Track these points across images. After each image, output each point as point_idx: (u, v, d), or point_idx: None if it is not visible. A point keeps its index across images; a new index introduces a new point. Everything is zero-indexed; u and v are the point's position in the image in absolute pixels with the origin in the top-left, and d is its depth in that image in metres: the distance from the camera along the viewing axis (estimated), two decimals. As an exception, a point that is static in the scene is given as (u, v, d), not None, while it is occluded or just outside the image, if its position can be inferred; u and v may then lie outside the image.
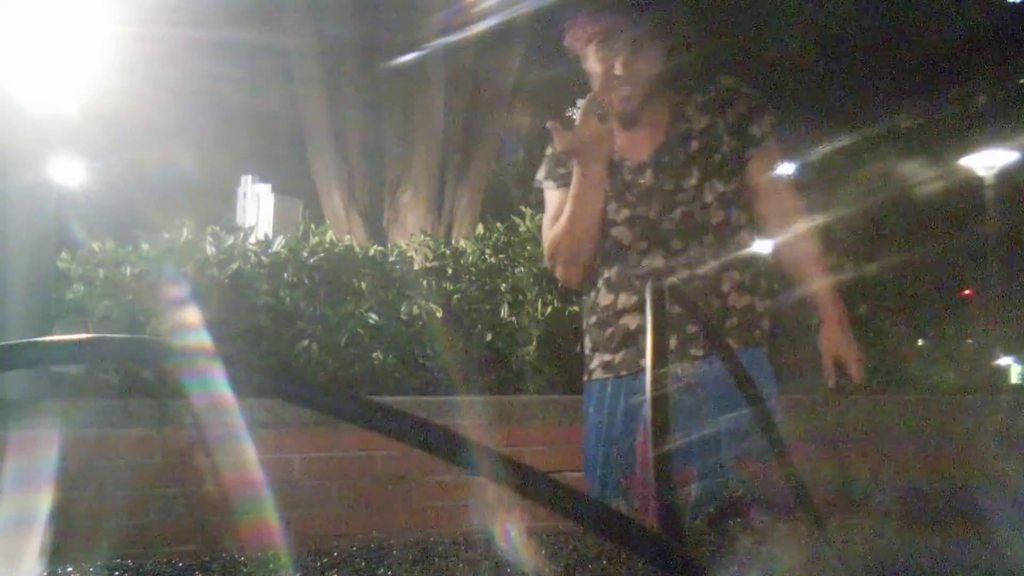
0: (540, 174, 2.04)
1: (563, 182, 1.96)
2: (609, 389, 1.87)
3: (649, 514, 1.65)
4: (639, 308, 1.82)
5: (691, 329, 1.78)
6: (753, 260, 1.87)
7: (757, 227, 1.89)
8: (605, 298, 1.89)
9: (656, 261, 1.83)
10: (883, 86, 9.34)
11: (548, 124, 1.80)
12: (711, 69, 1.94)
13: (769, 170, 1.86)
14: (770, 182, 1.86)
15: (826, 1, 7.95)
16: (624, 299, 1.86)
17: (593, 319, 1.93)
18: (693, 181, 1.82)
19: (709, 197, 1.82)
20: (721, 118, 1.84)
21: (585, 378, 1.95)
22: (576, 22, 1.85)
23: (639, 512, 1.71)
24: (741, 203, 1.85)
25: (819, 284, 1.83)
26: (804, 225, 1.86)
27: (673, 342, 1.78)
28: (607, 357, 1.88)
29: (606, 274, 1.90)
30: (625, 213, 1.86)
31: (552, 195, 2.00)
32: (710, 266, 1.79)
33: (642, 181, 1.86)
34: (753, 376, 1.68)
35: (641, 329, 1.80)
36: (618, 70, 1.79)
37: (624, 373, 1.85)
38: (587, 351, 1.95)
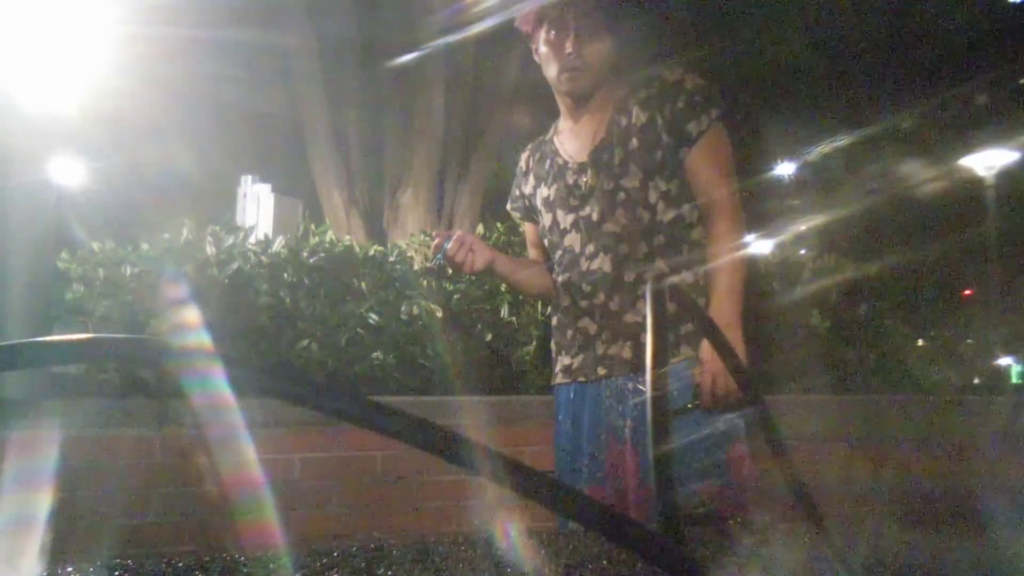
0: (508, 203, 2.09)
1: (526, 216, 2.04)
2: (572, 395, 1.84)
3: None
4: (592, 312, 1.79)
5: (643, 338, 1.71)
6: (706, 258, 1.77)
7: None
8: (564, 300, 1.87)
9: (605, 265, 1.77)
10: (883, 86, 9.34)
11: (434, 235, 1.85)
12: (659, 60, 1.88)
13: (702, 168, 1.76)
14: (701, 180, 1.76)
15: (827, 1, 7.95)
16: (579, 302, 1.82)
17: (555, 320, 1.92)
18: (635, 181, 1.75)
19: (653, 196, 1.75)
20: (660, 114, 1.76)
21: (552, 381, 1.93)
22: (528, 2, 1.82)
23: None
24: (691, 199, 1.77)
25: (717, 291, 1.71)
26: (725, 227, 1.73)
27: (629, 352, 1.73)
28: (567, 360, 1.85)
29: (562, 277, 1.87)
30: (571, 218, 1.82)
31: (524, 225, 2.08)
32: (660, 267, 1.72)
33: (584, 181, 1.81)
34: (673, 389, 1.66)
35: (597, 335, 1.78)
36: (568, 48, 1.74)
37: (582, 379, 1.81)
38: (552, 352, 1.94)
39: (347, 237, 3.69)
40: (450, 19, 4.78)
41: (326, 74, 5.52)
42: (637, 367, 1.70)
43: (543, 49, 1.82)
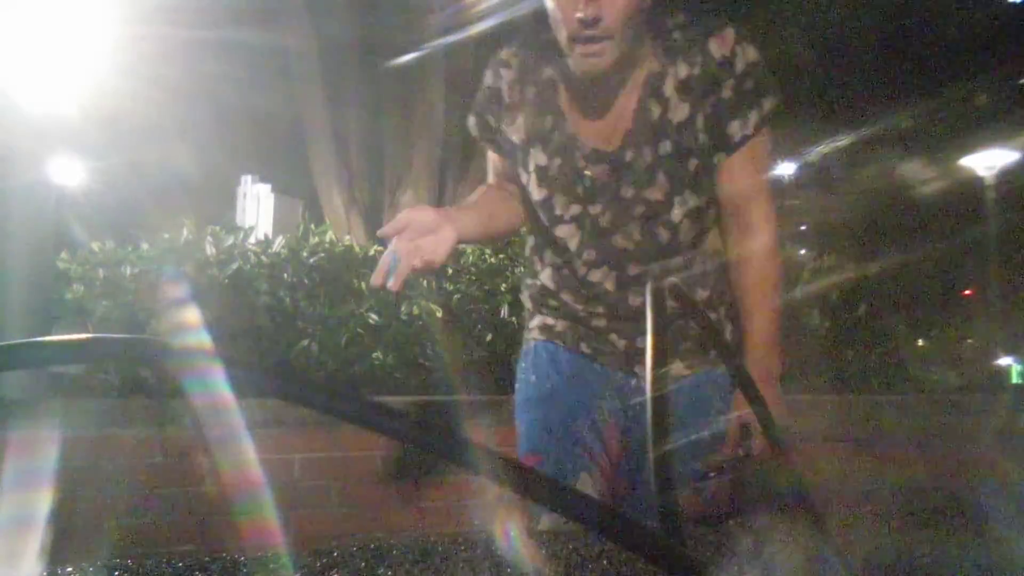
0: (472, 123, 1.58)
1: (492, 145, 1.58)
2: (555, 357, 1.55)
3: (614, 497, 1.52)
4: (587, 320, 1.54)
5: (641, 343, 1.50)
6: (719, 273, 1.50)
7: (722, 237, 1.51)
8: (548, 281, 1.56)
9: (608, 282, 1.47)
10: (883, 86, 9.34)
11: (378, 233, 1.49)
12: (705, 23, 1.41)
13: (737, 175, 1.41)
14: (736, 194, 1.42)
15: (826, 1, 7.95)
16: (568, 297, 1.54)
17: (530, 283, 1.62)
18: (659, 194, 1.41)
19: (678, 214, 1.41)
20: (701, 108, 1.37)
21: (526, 337, 1.63)
22: None
23: (604, 494, 1.48)
24: (716, 207, 1.46)
25: (755, 331, 1.43)
26: (764, 255, 1.43)
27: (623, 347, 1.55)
28: (549, 320, 1.57)
29: (550, 259, 1.55)
30: (575, 210, 1.45)
31: (488, 153, 1.63)
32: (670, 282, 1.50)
33: (589, 173, 1.43)
34: (713, 396, 1.51)
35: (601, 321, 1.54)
36: (581, 12, 1.27)
37: (561, 344, 1.55)
38: (528, 309, 1.64)
39: (347, 237, 3.69)
40: (450, 19, 4.78)
41: (326, 74, 5.52)
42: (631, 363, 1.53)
43: (553, 10, 1.34)
